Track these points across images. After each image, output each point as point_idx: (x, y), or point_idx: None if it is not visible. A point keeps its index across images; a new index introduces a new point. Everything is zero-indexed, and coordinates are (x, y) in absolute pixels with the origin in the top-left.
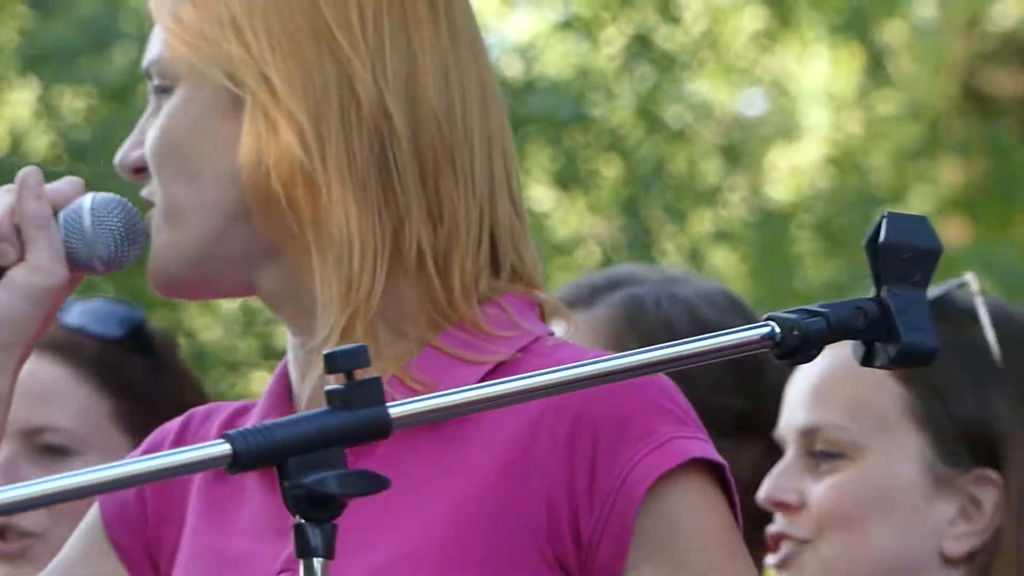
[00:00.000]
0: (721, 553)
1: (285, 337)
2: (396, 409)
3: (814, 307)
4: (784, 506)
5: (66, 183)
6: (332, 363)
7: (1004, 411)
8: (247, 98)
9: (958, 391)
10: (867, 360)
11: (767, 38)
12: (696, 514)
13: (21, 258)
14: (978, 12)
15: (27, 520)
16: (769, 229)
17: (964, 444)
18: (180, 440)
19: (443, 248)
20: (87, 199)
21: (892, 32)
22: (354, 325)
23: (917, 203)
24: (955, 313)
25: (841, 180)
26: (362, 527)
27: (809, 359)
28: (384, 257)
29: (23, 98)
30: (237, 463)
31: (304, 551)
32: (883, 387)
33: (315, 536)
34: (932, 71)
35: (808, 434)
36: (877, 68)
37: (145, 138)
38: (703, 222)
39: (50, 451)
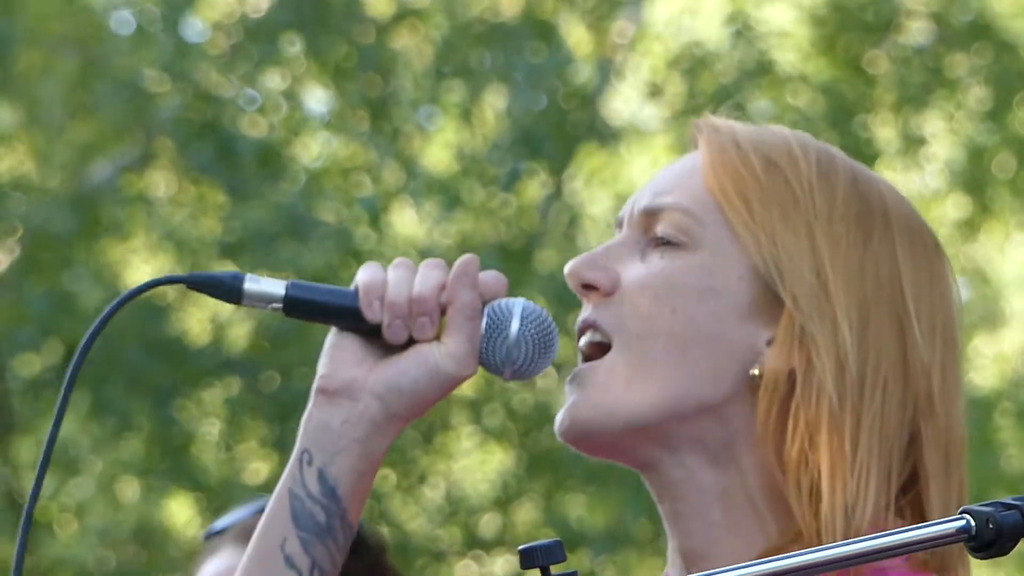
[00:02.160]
0: None
1: (489, 528)
2: None
3: (1010, 500)
4: None
5: (493, 277)
6: (529, 559)
7: None
8: (787, 308)
9: None
10: None
11: (969, 226)
12: None
13: (436, 336)
14: None
15: None
16: (973, 416)
17: None
18: None
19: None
20: (519, 304)
21: None
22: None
23: None
24: None
25: None
26: None
27: (1004, 552)
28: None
29: None
30: None
31: None
32: None
33: None
34: None
35: None
36: None
37: (619, 268)
38: None
39: None
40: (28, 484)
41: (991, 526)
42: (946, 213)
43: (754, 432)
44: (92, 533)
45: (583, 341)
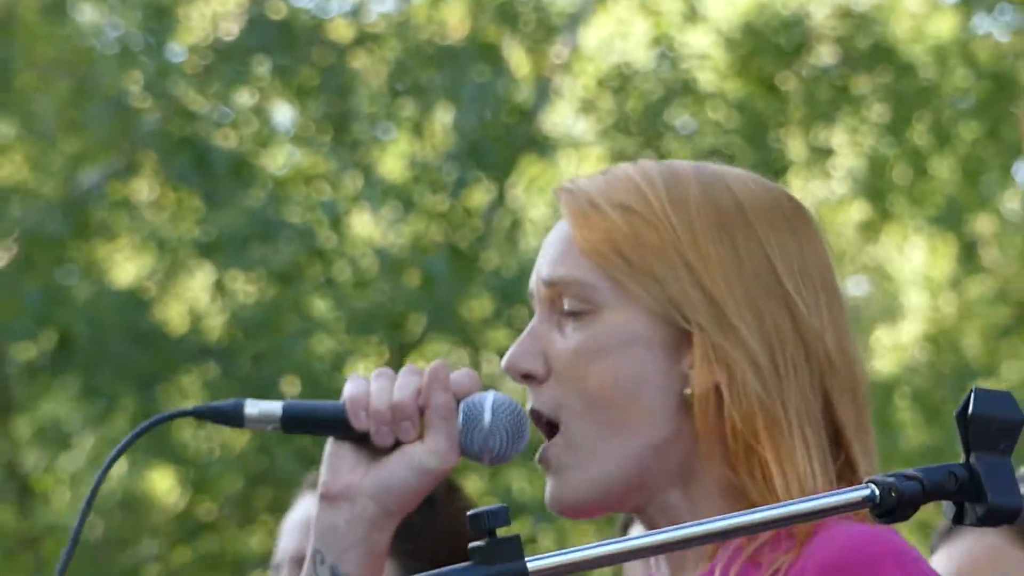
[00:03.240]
0: None
1: None
2: (534, 564)
3: (910, 471)
4: None
5: (465, 376)
6: (476, 522)
7: None
8: (695, 334)
9: None
10: (958, 519)
11: (871, 229)
12: None
13: (419, 436)
14: None
15: None
16: (874, 399)
17: None
18: None
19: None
20: (489, 398)
21: (982, 223)
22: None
23: (1009, 376)
24: None
25: (938, 356)
26: None
27: (905, 518)
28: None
29: (199, 282)
30: None
31: None
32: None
33: None
34: (1019, 258)
35: None
36: (969, 256)
37: (547, 351)
38: None
39: None
40: (25, 457)
41: (893, 495)
42: (850, 217)
43: (702, 445)
44: (82, 502)
45: (539, 424)
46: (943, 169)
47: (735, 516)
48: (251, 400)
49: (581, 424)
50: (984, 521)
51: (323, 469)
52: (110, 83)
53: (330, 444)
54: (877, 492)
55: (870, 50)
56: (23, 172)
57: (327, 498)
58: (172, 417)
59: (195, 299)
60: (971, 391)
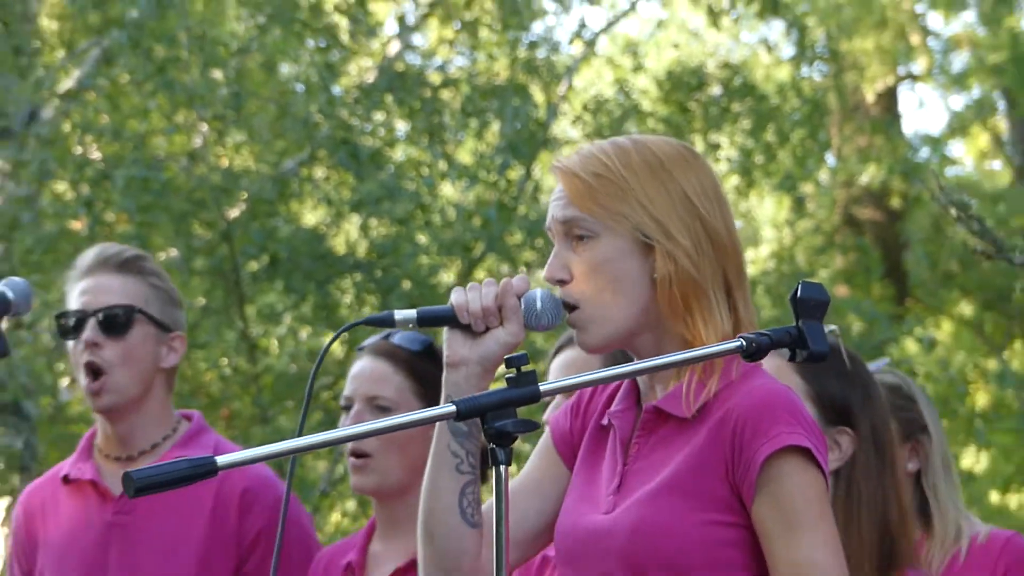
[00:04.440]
0: (803, 503)
1: None
2: (545, 387)
3: (764, 331)
4: None
5: (522, 280)
6: (508, 363)
7: (854, 397)
8: (655, 244)
9: (832, 385)
10: (792, 359)
11: (742, 191)
12: (787, 477)
13: (500, 323)
14: (851, 175)
15: (366, 445)
16: None
17: (833, 413)
18: (590, 402)
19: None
20: (538, 293)
21: (807, 188)
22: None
23: (822, 276)
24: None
25: (781, 265)
26: (648, 468)
27: (759, 358)
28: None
29: (352, 224)
30: (459, 416)
31: (496, 462)
32: (793, 382)
33: (502, 454)
34: (828, 207)
35: None
36: (799, 207)
37: (568, 264)
38: None
39: (380, 409)
40: (252, 327)
41: (754, 345)
42: (731, 184)
43: (662, 309)
44: (285, 355)
45: (567, 307)
46: (784, 156)
47: (665, 356)
48: (398, 311)
49: (595, 303)
50: (807, 360)
51: (444, 347)
52: (300, 109)
53: (446, 332)
54: (744, 344)
55: (740, 86)
56: (249, 161)
57: (451, 365)
58: (356, 325)
59: (349, 234)
60: (799, 283)
